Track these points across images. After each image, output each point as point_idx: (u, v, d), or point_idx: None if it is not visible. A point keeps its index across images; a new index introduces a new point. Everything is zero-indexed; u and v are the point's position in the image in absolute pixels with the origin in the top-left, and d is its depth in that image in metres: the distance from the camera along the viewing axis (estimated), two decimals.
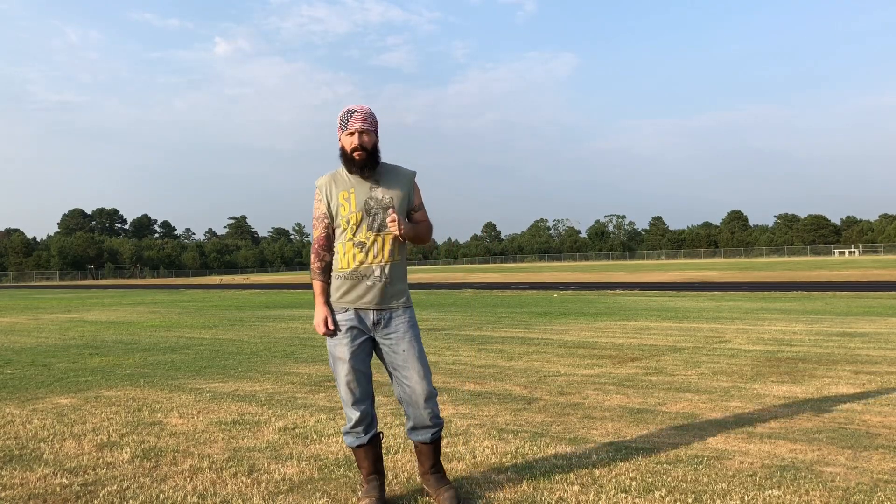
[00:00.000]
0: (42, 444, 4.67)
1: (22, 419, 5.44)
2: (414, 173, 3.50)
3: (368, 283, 3.34)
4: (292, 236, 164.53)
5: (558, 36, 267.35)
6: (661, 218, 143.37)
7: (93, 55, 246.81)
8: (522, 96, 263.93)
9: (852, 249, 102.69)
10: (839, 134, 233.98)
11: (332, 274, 3.42)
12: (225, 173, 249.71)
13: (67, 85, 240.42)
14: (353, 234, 3.34)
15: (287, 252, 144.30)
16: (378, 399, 5.81)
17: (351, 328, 3.36)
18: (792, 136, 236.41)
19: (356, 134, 3.31)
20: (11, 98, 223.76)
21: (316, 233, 3.45)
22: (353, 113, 3.31)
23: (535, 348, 8.94)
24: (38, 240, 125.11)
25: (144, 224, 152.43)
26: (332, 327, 3.37)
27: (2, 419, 5.46)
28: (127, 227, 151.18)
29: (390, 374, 3.43)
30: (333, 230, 3.42)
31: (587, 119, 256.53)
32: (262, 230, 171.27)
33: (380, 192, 3.37)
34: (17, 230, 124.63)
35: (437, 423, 3.40)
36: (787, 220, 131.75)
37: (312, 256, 3.45)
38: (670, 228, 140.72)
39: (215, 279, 74.66)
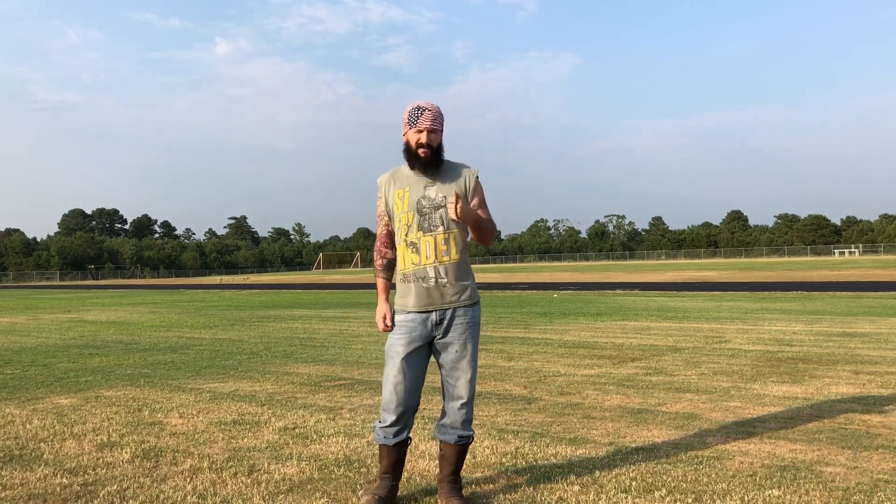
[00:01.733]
0: (42, 444, 4.66)
1: (22, 419, 5.44)
2: (475, 171, 3.47)
3: (424, 284, 3.33)
4: (292, 236, 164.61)
5: (559, 36, 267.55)
6: (661, 218, 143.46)
7: (93, 55, 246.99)
8: (523, 96, 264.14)
9: (852, 249, 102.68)
10: (839, 134, 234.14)
11: (396, 276, 3.44)
12: (225, 173, 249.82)
13: (68, 85, 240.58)
14: (406, 235, 3.35)
15: (287, 252, 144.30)
16: (375, 400, 5.81)
17: (410, 331, 3.34)
18: (792, 136, 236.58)
19: (424, 132, 3.30)
20: (12, 98, 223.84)
21: (378, 230, 3.48)
22: (423, 111, 3.30)
23: (536, 348, 8.94)
24: (38, 240, 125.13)
25: (144, 224, 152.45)
26: (389, 324, 3.37)
27: (2, 419, 5.46)
28: (127, 227, 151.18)
29: (440, 370, 3.44)
30: (392, 227, 3.44)
31: (587, 119, 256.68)
32: (262, 230, 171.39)
33: (433, 192, 3.34)
34: (17, 230, 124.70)
35: (468, 429, 3.41)
36: (787, 220, 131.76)
37: (375, 254, 3.48)
38: (670, 228, 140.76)
39: (215, 279, 74.67)
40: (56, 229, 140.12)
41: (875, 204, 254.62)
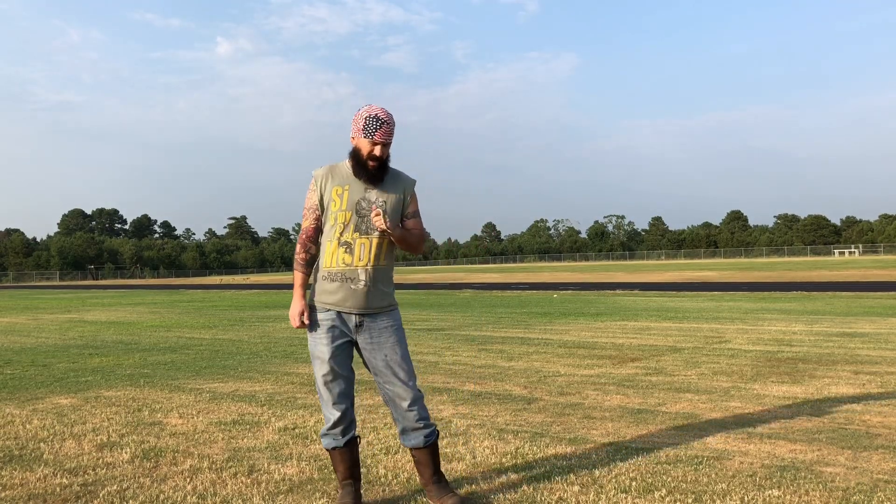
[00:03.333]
0: (42, 444, 4.66)
1: (22, 419, 5.44)
2: (413, 181, 3.47)
3: (352, 286, 3.28)
4: (292, 236, 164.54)
5: (559, 36, 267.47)
6: (660, 218, 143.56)
7: (94, 55, 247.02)
8: (523, 96, 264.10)
9: (852, 249, 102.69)
10: (839, 134, 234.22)
11: (319, 272, 3.37)
12: (225, 173, 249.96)
13: (68, 85, 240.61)
14: (340, 233, 3.30)
15: (287, 252, 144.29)
16: (376, 400, 5.82)
17: (332, 328, 3.31)
18: (792, 136, 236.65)
19: (379, 146, 3.28)
20: (12, 98, 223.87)
21: (305, 223, 3.40)
22: (382, 123, 3.27)
23: (535, 348, 8.94)
24: (38, 240, 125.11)
25: (144, 224, 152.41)
26: (307, 322, 3.32)
27: (2, 419, 5.46)
28: (127, 227, 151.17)
29: (374, 378, 3.39)
30: (322, 223, 3.39)
31: (587, 119, 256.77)
32: (262, 230, 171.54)
33: (374, 195, 3.32)
34: (17, 230, 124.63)
35: (428, 425, 3.36)
36: (787, 220, 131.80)
37: (298, 247, 3.41)
38: (670, 228, 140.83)
39: (215, 279, 74.63)
40: (56, 229, 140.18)
41: (875, 204, 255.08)
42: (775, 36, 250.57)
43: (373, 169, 3.30)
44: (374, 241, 3.31)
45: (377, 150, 3.28)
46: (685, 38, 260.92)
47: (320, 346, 3.31)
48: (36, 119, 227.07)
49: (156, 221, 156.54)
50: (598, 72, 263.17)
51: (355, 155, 3.33)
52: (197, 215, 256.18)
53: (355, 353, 3.42)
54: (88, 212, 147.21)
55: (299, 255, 3.40)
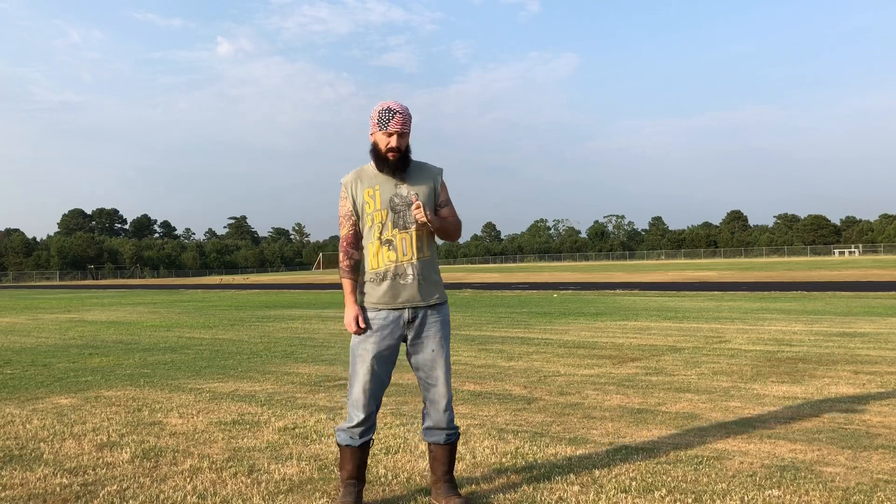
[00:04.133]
0: (42, 444, 4.67)
1: (22, 419, 5.44)
2: (440, 170, 3.49)
3: (402, 281, 3.32)
4: (292, 236, 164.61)
5: (560, 36, 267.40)
6: (660, 218, 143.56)
7: (95, 55, 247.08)
8: (523, 96, 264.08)
9: (852, 249, 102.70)
10: (839, 134, 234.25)
11: (365, 275, 3.39)
12: (225, 173, 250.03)
13: (69, 85, 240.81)
14: (381, 233, 3.32)
15: (287, 252, 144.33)
16: None
17: (381, 328, 3.33)
18: (792, 136, 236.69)
19: (395, 136, 3.29)
20: (13, 98, 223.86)
21: (343, 231, 3.43)
22: (394, 114, 3.29)
23: (535, 348, 8.94)
24: (38, 240, 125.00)
25: (144, 224, 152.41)
26: (363, 325, 3.33)
27: (2, 419, 5.46)
28: (127, 227, 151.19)
29: (416, 372, 3.42)
30: (360, 228, 3.41)
31: (587, 119, 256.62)
32: (262, 230, 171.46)
33: (405, 189, 3.35)
34: (17, 230, 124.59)
35: (453, 425, 3.42)
36: (787, 220, 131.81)
37: (341, 255, 3.43)
38: (670, 228, 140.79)
39: (215, 279, 74.66)
40: (56, 229, 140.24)
41: (875, 204, 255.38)
42: (776, 36, 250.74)
43: (393, 160, 3.31)
44: (414, 234, 3.34)
45: (393, 141, 3.29)
46: (686, 38, 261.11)
47: (365, 344, 3.33)
48: (36, 119, 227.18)
49: (156, 221, 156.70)
50: (598, 72, 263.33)
51: (375, 150, 3.35)
52: (197, 215, 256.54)
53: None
54: (88, 212, 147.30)
55: (343, 263, 3.42)
